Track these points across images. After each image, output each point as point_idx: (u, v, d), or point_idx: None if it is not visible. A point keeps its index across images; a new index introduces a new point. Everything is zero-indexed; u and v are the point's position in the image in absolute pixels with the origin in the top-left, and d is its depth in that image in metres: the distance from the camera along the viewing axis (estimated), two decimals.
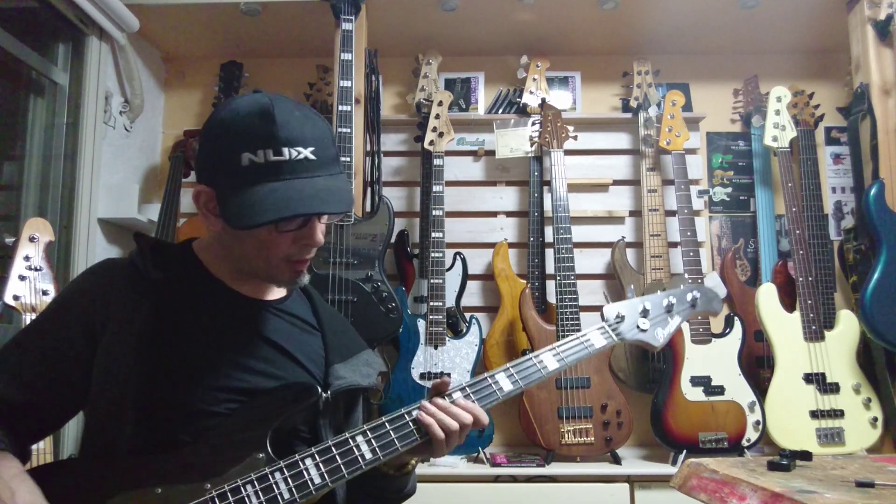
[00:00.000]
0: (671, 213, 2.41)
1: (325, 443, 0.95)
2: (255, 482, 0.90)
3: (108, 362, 0.95)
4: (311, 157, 0.95)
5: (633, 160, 2.61)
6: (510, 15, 2.42)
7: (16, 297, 1.61)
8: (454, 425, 0.99)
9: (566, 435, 2.09)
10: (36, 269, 1.65)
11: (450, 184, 2.51)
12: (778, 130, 2.33)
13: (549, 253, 2.39)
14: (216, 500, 0.89)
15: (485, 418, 1.02)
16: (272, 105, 0.94)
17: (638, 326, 1.16)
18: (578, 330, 2.14)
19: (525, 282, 2.37)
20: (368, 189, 2.40)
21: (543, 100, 2.51)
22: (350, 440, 0.95)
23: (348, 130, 2.14)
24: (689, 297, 1.21)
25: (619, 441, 2.11)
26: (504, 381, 1.06)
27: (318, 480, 0.92)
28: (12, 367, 0.97)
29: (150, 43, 2.61)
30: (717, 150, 2.65)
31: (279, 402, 0.97)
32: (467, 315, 2.38)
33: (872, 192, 2.12)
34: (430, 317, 2.22)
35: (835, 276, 2.35)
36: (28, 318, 1.61)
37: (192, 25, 2.48)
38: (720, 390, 2.12)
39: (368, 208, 2.36)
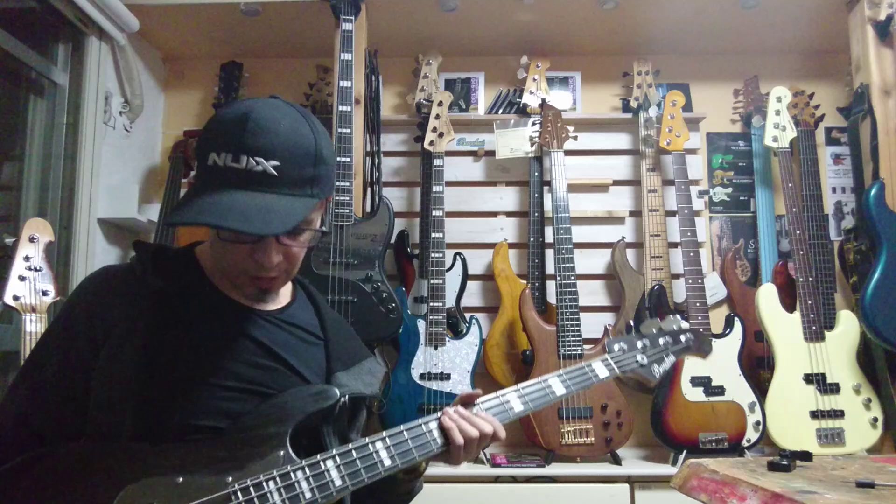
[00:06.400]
0: (671, 214, 2.41)
1: (347, 446, 0.95)
2: (278, 479, 0.90)
3: (108, 373, 0.94)
4: (272, 171, 0.89)
5: (634, 160, 2.61)
6: (510, 15, 2.42)
7: (15, 298, 1.60)
8: (474, 433, 1.01)
9: (566, 435, 2.09)
10: (36, 270, 1.65)
11: (450, 184, 2.51)
12: (778, 131, 2.33)
13: (549, 253, 2.39)
14: (238, 494, 0.88)
15: (502, 433, 1.05)
16: (255, 110, 0.91)
17: (637, 361, 1.25)
18: (578, 330, 2.16)
19: (525, 282, 2.37)
20: (368, 189, 2.40)
21: (543, 100, 2.51)
22: (370, 446, 0.96)
23: (348, 131, 2.14)
24: (683, 339, 1.33)
25: (619, 441, 2.10)
26: (516, 403, 1.10)
27: (338, 483, 0.93)
28: (30, 389, 0.96)
29: (150, 43, 2.61)
30: (717, 150, 2.65)
31: (300, 403, 0.97)
32: (467, 315, 2.38)
33: (872, 192, 2.12)
34: (430, 317, 2.22)
35: (835, 276, 2.35)
36: (28, 318, 1.61)
37: (192, 25, 2.48)
38: (720, 391, 2.12)
39: (368, 209, 2.36)
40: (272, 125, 0.91)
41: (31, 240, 1.67)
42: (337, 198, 2.11)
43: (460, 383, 2.20)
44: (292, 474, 0.91)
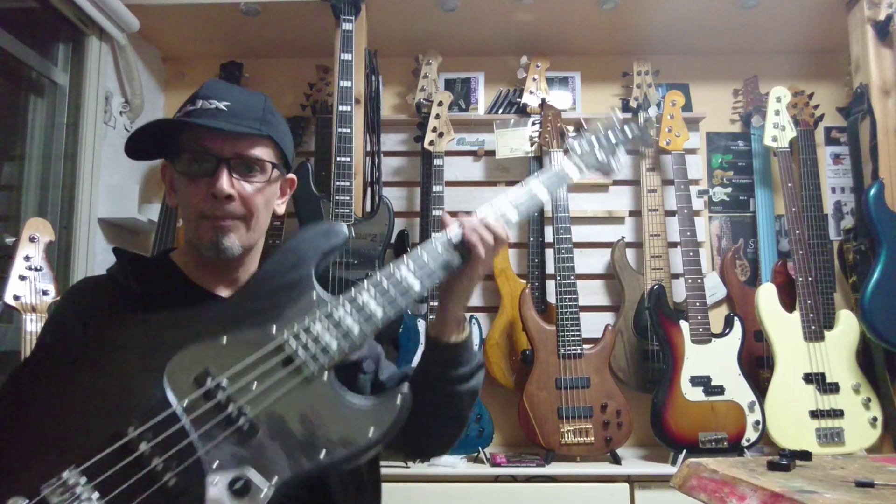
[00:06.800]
0: (671, 213, 2.41)
1: (375, 277, 0.99)
2: (324, 319, 0.93)
3: None
4: (223, 108, 1.00)
5: (633, 160, 2.61)
6: (510, 15, 2.42)
7: (16, 297, 1.61)
8: (491, 239, 1.03)
9: (566, 435, 2.09)
10: (36, 269, 1.65)
11: (450, 184, 2.51)
12: (778, 130, 2.33)
13: (549, 253, 2.39)
14: (291, 341, 0.91)
15: (511, 235, 1.08)
16: (209, 81, 1.07)
17: (597, 158, 1.32)
18: (578, 330, 2.16)
19: (525, 282, 2.37)
20: (368, 189, 2.40)
21: (543, 100, 2.51)
22: (397, 273, 0.99)
23: (348, 131, 2.14)
24: (628, 130, 1.39)
25: (618, 441, 2.11)
26: (510, 211, 1.11)
27: (379, 313, 0.96)
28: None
29: (150, 43, 2.61)
30: (716, 150, 2.65)
31: (312, 244, 1.00)
32: (467, 315, 2.37)
33: (872, 192, 2.12)
34: (431, 317, 2.22)
35: (834, 276, 2.35)
36: (28, 317, 1.61)
37: (192, 25, 2.49)
38: (720, 390, 2.12)
39: (368, 208, 2.36)
40: (221, 84, 1.07)
41: (32, 239, 1.67)
42: (337, 197, 2.11)
43: None
44: (335, 313, 0.94)
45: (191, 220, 1.04)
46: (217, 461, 0.82)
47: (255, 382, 0.87)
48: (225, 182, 1.00)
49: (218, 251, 1.03)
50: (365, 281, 0.98)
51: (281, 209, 1.14)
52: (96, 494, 0.77)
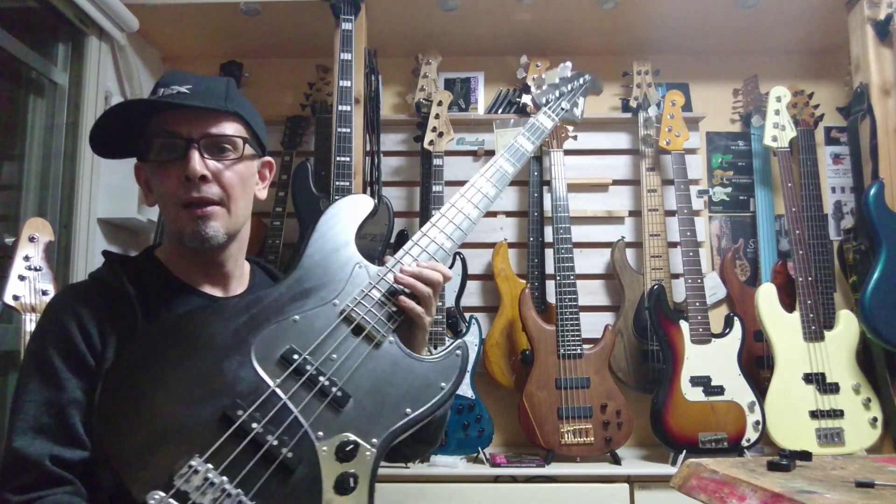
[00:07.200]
0: (671, 213, 2.41)
1: (410, 241, 1.09)
2: (379, 286, 1.02)
3: None
4: (185, 91, 1.00)
5: (633, 160, 2.61)
6: (510, 15, 2.42)
7: (15, 297, 1.60)
8: (426, 289, 1.04)
9: (566, 435, 2.09)
10: (36, 269, 1.65)
11: (450, 184, 2.50)
12: (777, 130, 2.33)
13: (549, 253, 2.39)
14: (356, 310, 0.99)
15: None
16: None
17: (562, 108, 1.43)
18: (578, 330, 2.16)
19: (525, 282, 2.37)
20: (368, 189, 2.40)
21: None
22: (427, 233, 1.10)
23: (348, 130, 2.14)
24: (581, 80, 1.52)
25: (618, 441, 2.11)
26: (505, 165, 1.23)
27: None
28: (50, 410, 0.91)
29: (150, 43, 2.61)
30: (716, 150, 2.65)
31: (346, 220, 1.07)
32: (467, 315, 2.38)
33: (872, 192, 2.12)
34: (434, 328, 2.22)
35: (834, 276, 2.35)
36: (28, 317, 1.61)
37: (192, 25, 2.48)
38: (720, 390, 2.12)
39: None
40: (184, 73, 1.06)
41: (31, 239, 1.67)
42: (337, 197, 2.11)
43: None
44: (386, 279, 1.03)
45: (170, 212, 1.03)
46: (320, 431, 0.90)
47: (335, 353, 0.95)
48: (197, 162, 0.99)
49: (202, 241, 1.02)
50: (403, 249, 1.07)
51: (262, 194, 1.14)
52: (225, 478, 0.82)
